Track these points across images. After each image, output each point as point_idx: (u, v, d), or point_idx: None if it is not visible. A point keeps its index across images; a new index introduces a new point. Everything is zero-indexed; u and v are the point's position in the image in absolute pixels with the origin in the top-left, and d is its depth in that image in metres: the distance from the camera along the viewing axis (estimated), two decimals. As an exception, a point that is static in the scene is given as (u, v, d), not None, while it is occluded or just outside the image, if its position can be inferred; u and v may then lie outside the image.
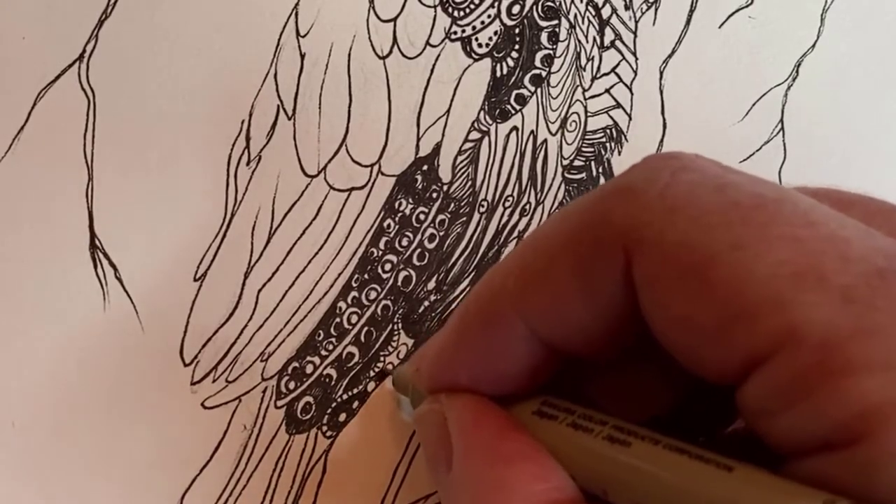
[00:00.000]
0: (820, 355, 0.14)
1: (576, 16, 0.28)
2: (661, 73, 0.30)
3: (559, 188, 0.29)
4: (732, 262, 0.15)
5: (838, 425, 0.14)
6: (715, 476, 0.15)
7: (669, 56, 0.30)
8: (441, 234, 0.27)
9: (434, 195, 0.27)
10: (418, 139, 0.26)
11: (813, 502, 0.14)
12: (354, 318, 0.26)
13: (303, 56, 0.25)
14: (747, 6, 0.31)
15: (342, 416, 0.27)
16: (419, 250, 0.27)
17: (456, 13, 0.26)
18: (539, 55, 0.27)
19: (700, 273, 0.15)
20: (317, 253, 0.26)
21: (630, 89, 0.29)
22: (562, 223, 0.18)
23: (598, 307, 0.17)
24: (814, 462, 0.14)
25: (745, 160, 0.32)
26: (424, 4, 0.26)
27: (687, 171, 0.16)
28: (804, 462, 0.15)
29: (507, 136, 0.27)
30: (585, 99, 0.29)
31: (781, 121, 0.32)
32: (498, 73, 0.27)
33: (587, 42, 0.28)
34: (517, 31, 0.27)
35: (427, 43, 0.26)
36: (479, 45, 0.27)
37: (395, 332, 0.27)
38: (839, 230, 0.15)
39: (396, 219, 0.26)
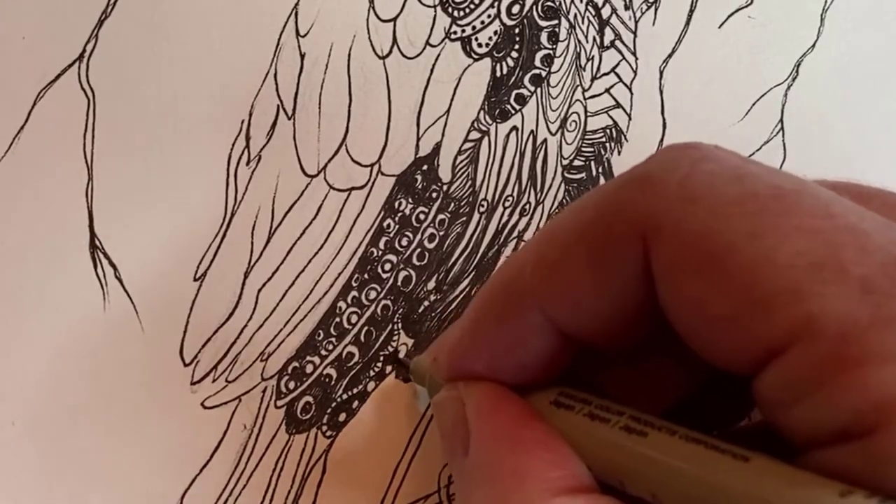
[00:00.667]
0: (837, 346, 0.14)
1: (576, 16, 0.28)
2: (661, 73, 0.30)
3: (559, 188, 0.29)
4: (751, 252, 0.15)
5: (854, 416, 0.14)
6: (731, 466, 0.15)
7: (669, 56, 0.30)
8: (441, 233, 0.27)
9: (434, 195, 0.27)
10: (418, 139, 0.26)
11: (829, 493, 0.14)
12: (354, 318, 0.26)
13: (303, 56, 0.25)
14: (747, 6, 0.31)
15: (342, 416, 0.27)
16: (419, 250, 0.27)
17: (456, 13, 0.26)
18: (539, 55, 0.27)
19: (718, 262, 0.15)
20: (317, 253, 0.26)
21: (630, 89, 0.29)
22: (579, 212, 0.18)
23: (615, 296, 0.17)
24: (828, 453, 0.14)
25: (745, 160, 0.32)
26: (424, 4, 0.26)
27: (706, 162, 0.16)
28: (819, 453, 0.15)
29: (507, 135, 0.27)
30: (585, 99, 0.29)
31: (781, 121, 0.32)
32: (498, 73, 0.27)
33: (587, 42, 0.28)
34: (517, 30, 0.27)
35: (427, 43, 0.26)
36: (479, 45, 0.27)
37: (395, 332, 0.27)
38: (858, 222, 0.15)
39: (396, 219, 0.26)
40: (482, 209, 0.28)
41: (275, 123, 0.25)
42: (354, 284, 0.26)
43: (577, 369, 0.20)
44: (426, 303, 0.27)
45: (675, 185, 0.16)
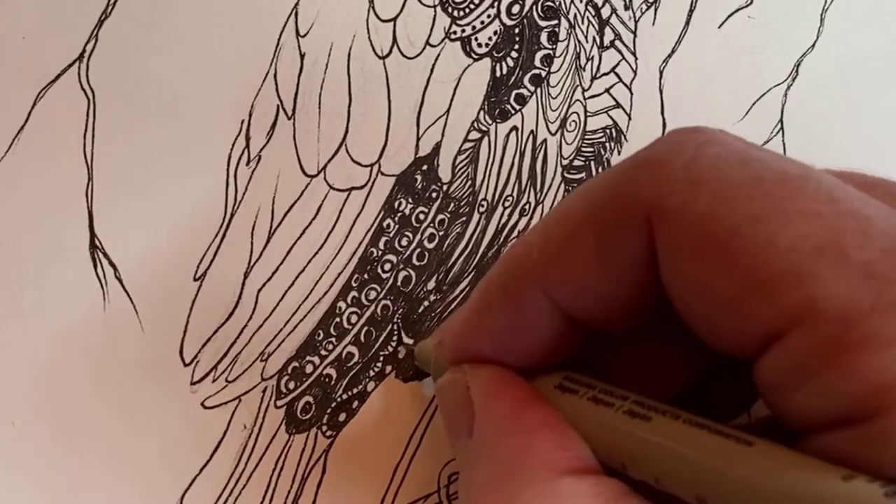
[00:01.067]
0: (839, 329, 0.14)
1: (575, 16, 0.28)
2: (661, 73, 0.30)
3: (559, 188, 0.29)
4: (754, 235, 0.15)
5: (854, 400, 0.14)
6: (735, 450, 0.15)
7: (669, 56, 0.30)
8: (441, 233, 0.27)
9: (434, 195, 0.27)
10: (418, 139, 0.26)
11: (832, 478, 0.14)
12: (354, 318, 0.26)
13: (303, 56, 0.25)
14: (747, 6, 0.31)
15: (342, 416, 0.27)
16: (419, 250, 0.27)
17: (456, 13, 0.26)
18: (539, 55, 0.27)
19: (722, 244, 0.15)
20: (317, 253, 0.26)
21: (630, 89, 0.29)
22: (585, 195, 0.18)
23: (620, 278, 0.17)
24: (829, 438, 0.14)
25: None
26: (424, 4, 0.26)
27: (712, 145, 0.16)
28: (819, 438, 0.15)
29: (507, 135, 0.27)
30: (585, 99, 0.29)
31: (781, 121, 0.32)
32: (497, 73, 0.27)
33: (587, 42, 0.28)
34: (517, 30, 0.27)
35: (427, 43, 0.26)
36: (479, 45, 0.27)
37: (395, 332, 0.27)
38: (862, 208, 0.15)
39: (396, 218, 0.26)
40: (482, 209, 0.28)
41: (275, 123, 0.25)
42: (354, 284, 0.26)
43: (582, 355, 0.20)
44: (426, 303, 0.27)
45: (680, 167, 0.16)
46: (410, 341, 0.27)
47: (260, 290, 0.25)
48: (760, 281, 0.15)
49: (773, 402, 0.16)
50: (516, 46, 0.27)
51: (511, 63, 0.27)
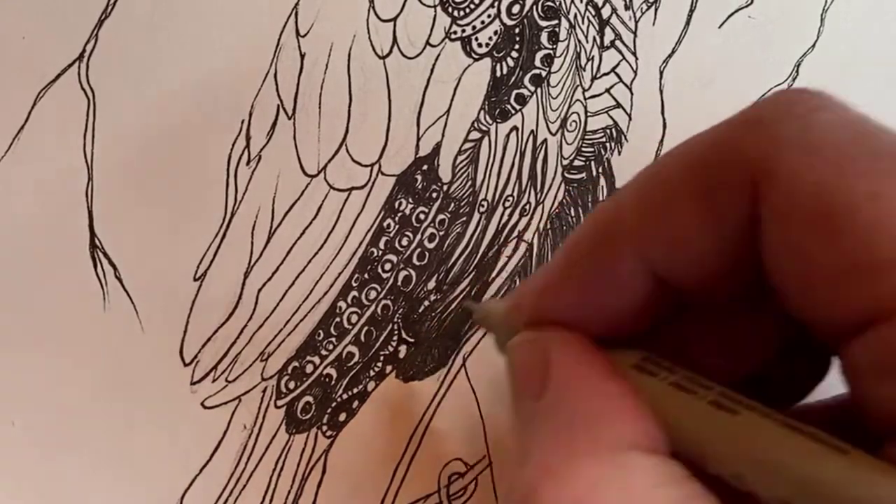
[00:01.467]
0: None
1: (576, 16, 0.28)
2: (661, 73, 0.30)
3: (559, 188, 0.29)
4: (870, 213, 0.14)
5: None
6: (829, 457, 0.15)
7: (669, 56, 0.30)
8: (441, 233, 0.27)
9: (434, 195, 0.27)
10: (418, 139, 0.26)
11: None
12: (354, 318, 0.26)
13: (303, 56, 0.25)
14: (747, 6, 0.31)
15: (342, 416, 0.27)
16: (419, 250, 0.27)
17: (456, 13, 0.26)
18: (539, 55, 0.27)
19: (834, 218, 0.15)
20: (317, 253, 0.26)
21: (630, 89, 0.29)
22: (684, 155, 0.17)
23: (720, 239, 0.17)
24: None
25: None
26: (424, 4, 0.26)
27: (825, 111, 0.16)
28: None
29: (507, 135, 0.27)
30: (585, 99, 0.29)
31: (781, 121, 0.32)
32: (498, 73, 0.27)
33: (587, 42, 0.28)
34: (517, 30, 0.27)
35: (427, 43, 0.26)
36: (479, 45, 0.27)
37: (395, 332, 0.27)
38: None
39: (396, 218, 0.26)
40: (482, 209, 0.28)
41: (275, 123, 0.25)
42: (354, 284, 0.26)
43: (656, 331, 0.19)
44: (426, 303, 0.27)
45: (793, 131, 0.15)
46: (411, 341, 0.27)
47: (260, 290, 0.25)
48: (870, 259, 0.14)
49: (858, 389, 0.15)
50: (516, 46, 0.27)
51: (511, 63, 0.27)
